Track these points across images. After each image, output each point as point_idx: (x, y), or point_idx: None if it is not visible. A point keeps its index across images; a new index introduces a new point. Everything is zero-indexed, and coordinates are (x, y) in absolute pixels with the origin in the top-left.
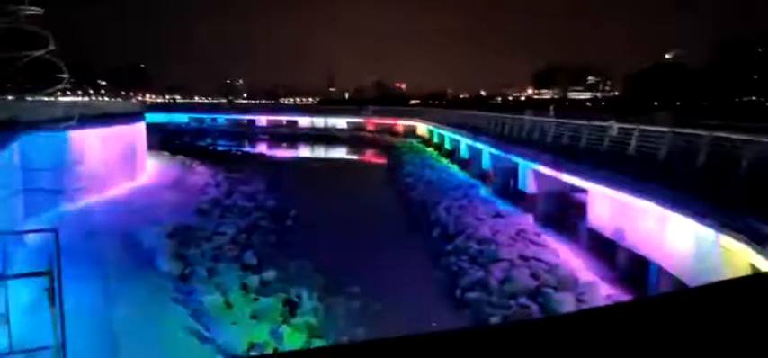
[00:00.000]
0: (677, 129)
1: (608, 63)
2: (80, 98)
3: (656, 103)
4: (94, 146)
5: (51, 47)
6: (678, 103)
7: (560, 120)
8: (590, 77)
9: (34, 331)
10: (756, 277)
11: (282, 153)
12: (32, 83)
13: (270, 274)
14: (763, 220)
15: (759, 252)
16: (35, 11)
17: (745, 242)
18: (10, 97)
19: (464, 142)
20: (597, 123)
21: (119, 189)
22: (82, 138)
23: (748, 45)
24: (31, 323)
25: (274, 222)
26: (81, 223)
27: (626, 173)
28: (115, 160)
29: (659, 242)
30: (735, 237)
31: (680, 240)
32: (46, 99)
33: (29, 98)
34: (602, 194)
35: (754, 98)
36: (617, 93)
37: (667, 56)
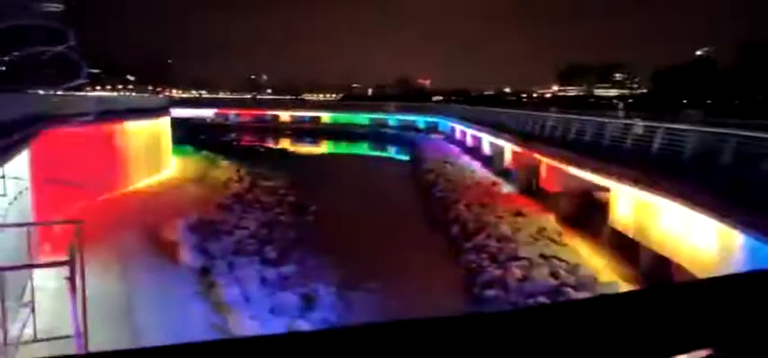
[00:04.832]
0: (704, 128)
1: (635, 60)
2: (108, 93)
3: (685, 101)
4: (120, 140)
5: (71, 42)
6: (709, 102)
7: (626, 120)
8: (617, 74)
9: (61, 319)
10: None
11: (305, 148)
12: (63, 78)
13: (289, 269)
14: None
15: None
16: (55, 7)
17: None
18: (41, 92)
19: (486, 139)
20: (622, 121)
21: (143, 183)
22: (108, 132)
23: None
24: (58, 311)
25: (295, 217)
26: (105, 215)
27: (649, 171)
28: (140, 154)
29: (682, 241)
30: (761, 239)
31: (702, 239)
32: (76, 93)
33: (60, 92)
34: (625, 192)
35: None
36: (645, 90)
37: (698, 53)
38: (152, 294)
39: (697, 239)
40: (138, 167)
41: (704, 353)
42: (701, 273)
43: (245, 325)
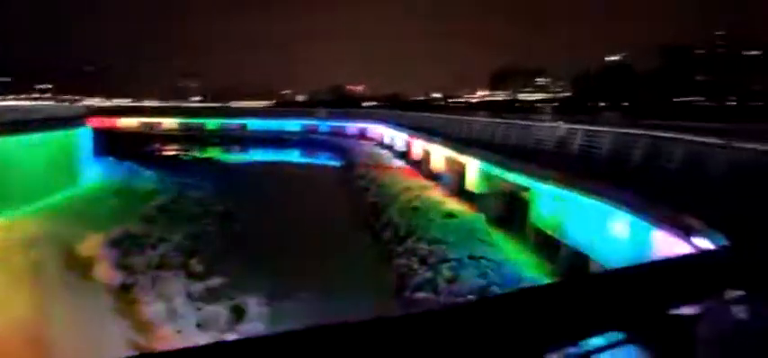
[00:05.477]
0: (618, 129)
1: (559, 66)
2: (20, 103)
3: (602, 104)
4: (30, 152)
5: None
6: (625, 104)
7: (551, 124)
8: (539, 79)
9: None
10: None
11: (233, 157)
12: None
13: (216, 281)
14: (692, 216)
15: (688, 244)
16: None
17: (681, 237)
18: None
19: (416, 144)
20: (546, 124)
21: (59, 196)
22: (15, 145)
23: (688, 49)
24: None
25: (222, 228)
26: (12, 233)
27: (569, 171)
28: (54, 166)
29: (597, 236)
30: (669, 231)
31: (617, 234)
32: None
33: None
34: (545, 192)
35: (694, 98)
36: (569, 94)
37: (613, 58)
38: (65, 316)
39: (611, 233)
40: (53, 180)
41: (619, 335)
42: (615, 265)
43: (170, 341)
